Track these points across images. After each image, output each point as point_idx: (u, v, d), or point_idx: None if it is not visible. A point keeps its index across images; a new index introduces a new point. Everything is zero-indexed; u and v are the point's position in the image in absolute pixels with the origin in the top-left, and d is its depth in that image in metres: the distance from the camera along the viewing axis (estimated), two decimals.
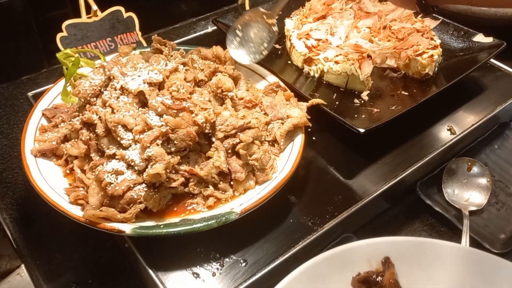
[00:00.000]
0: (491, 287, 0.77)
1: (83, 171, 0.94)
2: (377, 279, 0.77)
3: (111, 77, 0.96)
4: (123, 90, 0.95)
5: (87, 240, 1.01)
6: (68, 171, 0.95)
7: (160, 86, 0.98)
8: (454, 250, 0.82)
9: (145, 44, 1.38)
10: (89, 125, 0.95)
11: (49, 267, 0.96)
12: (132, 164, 0.87)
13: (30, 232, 1.02)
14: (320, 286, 0.77)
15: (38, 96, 1.14)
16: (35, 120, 1.02)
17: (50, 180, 0.91)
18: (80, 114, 0.98)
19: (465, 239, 1.01)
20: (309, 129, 1.14)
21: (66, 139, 0.99)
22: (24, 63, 1.43)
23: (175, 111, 0.92)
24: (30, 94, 1.25)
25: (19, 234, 1.01)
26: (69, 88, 1.10)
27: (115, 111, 0.92)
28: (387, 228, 1.07)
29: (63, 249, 1.00)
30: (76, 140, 0.96)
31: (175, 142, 0.90)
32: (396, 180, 1.05)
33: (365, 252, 0.81)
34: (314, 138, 1.14)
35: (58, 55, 1.13)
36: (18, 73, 1.40)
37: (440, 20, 1.39)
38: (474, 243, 1.01)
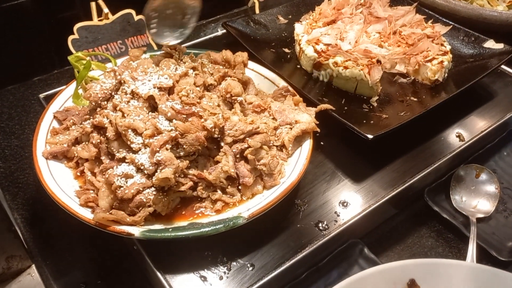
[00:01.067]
0: None
1: (94, 174, 0.95)
2: None
3: (122, 81, 0.97)
4: (134, 94, 0.96)
5: (96, 241, 1.02)
6: (78, 174, 0.97)
7: (170, 90, 0.99)
8: (479, 271, 0.82)
9: (155, 47, 1.39)
10: (99, 129, 0.96)
11: (58, 267, 0.98)
12: (142, 168, 0.88)
13: (40, 232, 1.04)
14: None
15: (49, 98, 1.16)
16: (47, 122, 1.03)
17: (60, 182, 0.92)
18: (91, 117, 0.99)
19: (472, 246, 1.01)
20: (317, 134, 1.14)
21: (77, 141, 1.00)
22: (35, 64, 1.45)
23: (185, 116, 0.92)
24: (41, 96, 1.27)
25: (30, 234, 1.03)
26: (80, 91, 1.12)
27: (125, 115, 0.93)
28: (394, 234, 1.08)
29: (72, 250, 1.01)
30: (86, 143, 0.97)
31: (184, 146, 0.91)
32: (404, 186, 1.05)
33: (391, 275, 0.80)
34: (322, 143, 1.14)
35: (69, 58, 1.14)
36: (30, 74, 1.42)
37: (451, 26, 1.38)
38: (481, 250, 1.01)
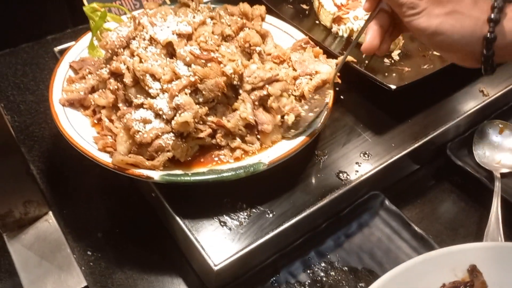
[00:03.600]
0: None
1: (111, 121, 0.93)
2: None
3: (141, 26, 0.94)
4: (152, 40, 0.94)
5: (114, 192, 1.02)
6: (96, 121, 0.95)
7: (188, 37, 0.96)
8: None
9: (168, 3, 1.36)
10: (116, 75, 0.94)
11: (75, 216, 0.97)
12: (160, 113, 0.87)
13: (57, 183, 1.03)
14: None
15: (64, 52, 1.14)
16: (63, 71, 1.02)
17: (78, 128, 0.91)
18: (108, 65, 0.97)
19: (497, 200, 0.98)
20: (337, 88, 1.12)
21: (93, 90, 0.98)
22: (49, 22, 1.43)
23: (204, 61, 0.90)
24: (56, 49, 1.25)
25: (46, 185, 1.02)
26: (96, 43, 1.10)
27: (143, 60, 0.91)
28: (415, 188, 1.06)
29: (89, 200, 1.01)
30: (103, 90, 0.95)
31: (203, 92, 0.89)
32: (425, 140, 1.02)
33: (448, 261, 0.75)
34: (342, 97, 1.12)
35: (85, 8, 1.11)
36: (43, 32, 1.40)
37: None
38: (506, 204, 0.99)
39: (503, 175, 1.04)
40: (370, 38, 0.80)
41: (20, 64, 1.30)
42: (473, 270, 0.74)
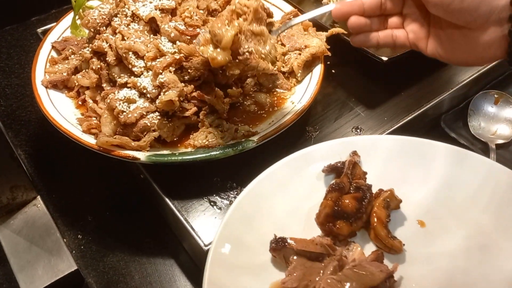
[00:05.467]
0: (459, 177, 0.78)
1: (95, 102, 0.91)
2: (342, 165, 0.79)
3: (123, 3, 0.91)
4: (134, 17, 0.91)
5: (103, 175, 1.00)
6: (80, 103, 0.93)
7: (172, 13, 0.93)
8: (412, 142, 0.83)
9: None
10: (99, 55, 0.92)
11: (65, 200, 0.96)
12: (145, 91, 0.84)
13: (45, 167, 1.02)
14: (295, 178, 0.80)
15: (47, 32, 1.11)
16: (45, 52, 0.99)
17: (62, 110, 0.89)
18: (90, 44, 0.94)
19: None
20: (328, 62, 1.09)
21: (76, 70, 0.96)
22: (33, 4, 1.39)
23: (189, 37, 0.87)
24: (39, 30, 1.22)
25: (34, 170, 1.00)
26: (78, 22, 1.07)
27: (125, 38, 0.88)
28: None
29: (78, 184, 0.99)
30: (87, 70, 0.93)
31: (188, 70, 0.86)
32: (419, 112, 1.00)
33: (336, 148, 0.82)
34: (333, 71, 1.09)
35: None
36: (28, 14, 1.36)
37: None
38: None
39: (498, 146, 1.03)
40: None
41: (4, 47, 1.27)
42: (354, 154, 0.80)
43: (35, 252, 0.84)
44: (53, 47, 1.01)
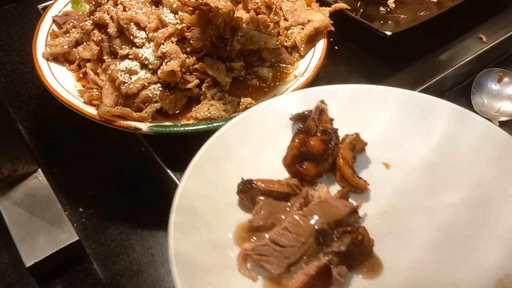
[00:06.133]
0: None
1: (96, 74, 0.90)
2: (309, 113, 0.79)
3: None
4: None
5: (103, 150, 0.99)
6: (81, 75, 0.92)
7: None
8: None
9: None
10: (100, 27, 0.91)
11: (65, 174, 0.95)
12: (146, 62, 0.84)
13: (45, 142, 1.01)
14: (263, 127, 0.79)
15: (48, 7, 1.10)
16: (46, 26, 0.98)
17: (63, 82, 0.88)
18: (91, 17, 0.93)
19: None
20: (331, 39, 1.08)
21: (77, 44, 0.95)
22: None
23: (191, 8, 0.86)
24: (40, 6, 1.21)
25: (35, 145, 1.00)
26: None
27: (126, 9, 0.87)
28: None
29: (79, 159, 0.99)
30: (88, 43, 0.92)
31: (191, 41, 0.85)
32: (422, 88, 0.99)
33: (305, 98, 0.82)
34: (336, 47, 1.08)
35: None
36: None
37: None
38: None
39: (501, 124, 1.02)
40: None
41: (4, 25, 1.27)
42: (322, 102, 0.80)
43: (36, 223, 0.84)
44: (54, 21, 1.00)
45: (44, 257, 0.80)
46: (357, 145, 0.76)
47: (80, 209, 0.91)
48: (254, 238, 0.64)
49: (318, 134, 0.75)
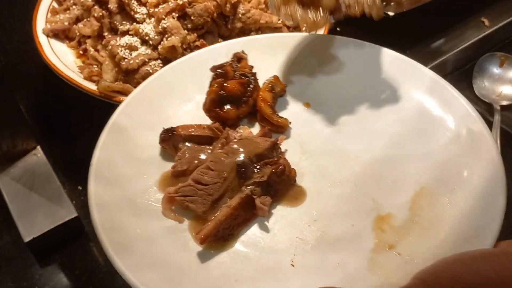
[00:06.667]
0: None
1: (97, 51, 0.90)
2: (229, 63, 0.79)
3: None
4: None
5: (102, 129, 0.99)
6: (81, 52, 0.92)
7: None
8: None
9: None
10: (101, 3, 0.90)
11: (65, 153, 0.95)
12: (147, 38, 0.84)
13: (45, 121, 1.01)
14: (184, 79, 0.79)
15: None
16: (46, 2, 0.98)
17: (63, 59, 0.88)
18: None
19: (496, 132, 0.96)
20: (333, 20, 1.08)
21: (78, 20, 0.95)
22: None
23: None
24: None
25: (35, 123, 1.00)
26: None
27: None
28: None
29: (79, 138, 0.97)
30: (88, 19, 0.92)
31: (192, 18, 0.85)
32: None
33: (224, 50, 0.83)
34: (338, 29, 1.08)
35: None
36: None
37: None
38: (505, 136, 0.96)
39: (503, 108, 1.02)
40: None
41: (4, 5, 1.26)
42: (242, 52, 0.81)
43: (35, 199, 0.84)
44: None
45: (43, 233, 0.80)
46: (276, 87, 0.77)
47: (79, 187, 0.91)
48: (180, 184, 0.65)
49: (236, 77, 0.75)
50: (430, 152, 0.72)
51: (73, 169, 0.93)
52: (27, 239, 0.79)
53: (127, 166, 0.68)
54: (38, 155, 0.90)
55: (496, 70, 1.07)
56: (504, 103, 1.03)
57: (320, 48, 0.84)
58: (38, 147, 0.91)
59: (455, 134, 0.73)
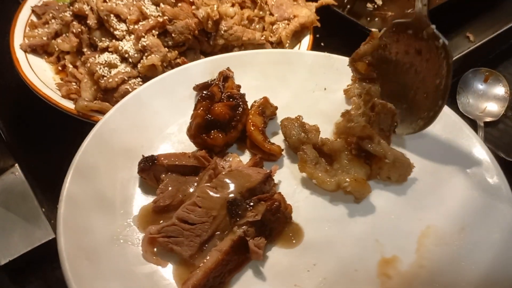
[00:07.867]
0: None
1: (76, 67, 0.88)
2: (214, 82, 0.76)
3: None
4: None
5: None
6: (60, 68, 0.90)
7: None
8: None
9: None
10: (80, 18, 0.89)
11: (43, 170, 0.93)
12: (126, 56, 0.82)
13: (23, 136, 0.98)
14: (164, 98, 0.75)
15: None
16: (24, 16, 0.96)
17: (41, 75, 0.85)
18: (71, 7, 0.91)
19: None
20: (317, 35, 1.07)
21: (57, 35, 0.93)
22: None
23: (174, 1, 0.85)
24: None
25: (12, 138, 0.97)
26: None
27: (107, 0, 0.85)
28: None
29: (58, 154, 0.95)
30: (67, 35, 0.90)
31: (173, 35, 0.84)
32: None
33: (209, 66, 0.80)
34: (322, 44, 1.07)
35: None
36: None
37: None
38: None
39: (486, 124, 1.02)
40: None
41: None
42: (228, 70, 0.78)
43: (11, 220, 0.82)
44: (33, 11, 0.97)
45: (19, 255, 0.78)
46: (266, 110, 0.73)
47: (57, 206, 0.88)
48: (162, 221, 0.59)
49: (224, 100, 0.70)
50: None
51: (52, 188, 0.91)
52: (2, 262, 0.77)
53: (98, 208, 0.62)
54: (16, 173, 0.88)
55: (480, 85, 1.07)
56: (488, 119, 1.03)
57: (311, 65, 0.82)
58: (16, 165, 0.88)
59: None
